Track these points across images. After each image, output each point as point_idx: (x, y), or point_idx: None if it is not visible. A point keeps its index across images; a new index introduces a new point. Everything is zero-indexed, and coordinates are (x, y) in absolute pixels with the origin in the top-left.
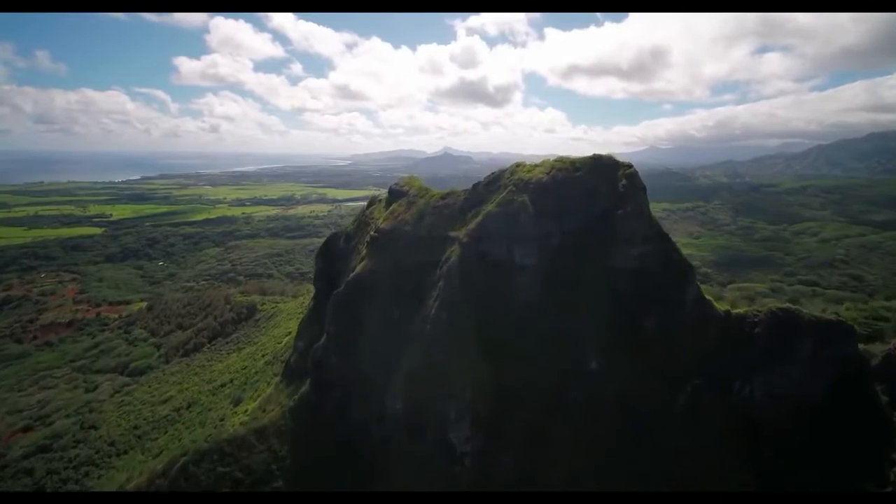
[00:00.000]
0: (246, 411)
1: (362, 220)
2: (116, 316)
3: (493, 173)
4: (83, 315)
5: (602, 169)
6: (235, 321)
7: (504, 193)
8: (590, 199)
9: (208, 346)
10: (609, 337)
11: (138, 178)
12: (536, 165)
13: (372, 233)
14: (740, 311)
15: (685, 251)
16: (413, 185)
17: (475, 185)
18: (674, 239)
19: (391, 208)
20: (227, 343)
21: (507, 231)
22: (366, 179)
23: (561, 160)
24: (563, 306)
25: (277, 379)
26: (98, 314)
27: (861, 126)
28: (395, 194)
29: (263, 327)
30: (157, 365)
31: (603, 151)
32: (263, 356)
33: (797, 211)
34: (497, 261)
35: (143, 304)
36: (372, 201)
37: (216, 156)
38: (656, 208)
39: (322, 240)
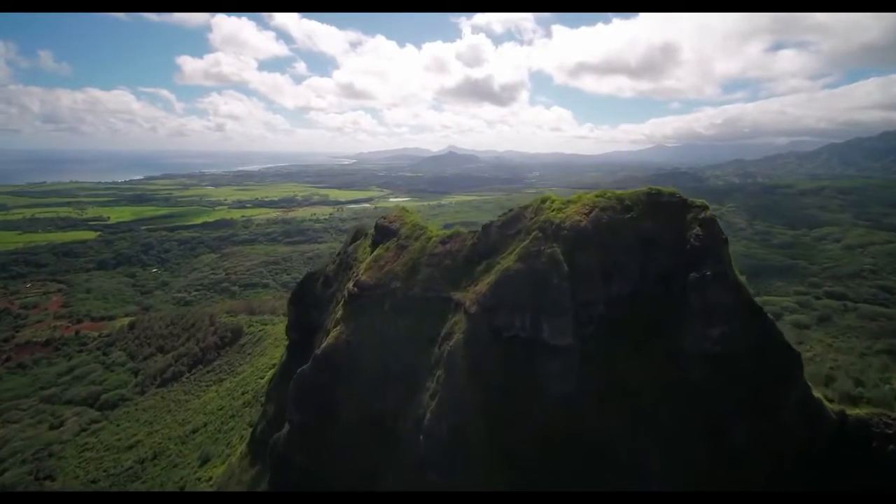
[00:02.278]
0: (210, 479)
1: (343, 259)
2: (96, 334)
3: (510, 211)
4: (62, 333)
5: (663, 209)
6: (219, 346)
7: (527, 241)
8: (647, 252)
9: (187, 375)
10: (680, 454)
11: (142, 177)
12: (570, 202)
13: (350, 286)
14: (860, 412)
15: None
16: (404, 220)
17: (486, 227)
18: None
19: (376, 253)
20: (207, 372)
21: (531, 297)
22: (370, 179)
23: (604, 195)
24: (612, 406)
25: (244, 445)
26: (77, 332)
27: (874, 124)
28: (381, 232)
29: (249, 354)
30: (130, 396)
31: (609, 150)
32: (243, 393)
33: (815, 214)
34: (518, 339)
35: (126, 321)
36: (357, 235)
37: (223, 154)
38: None
39: (322, 246)
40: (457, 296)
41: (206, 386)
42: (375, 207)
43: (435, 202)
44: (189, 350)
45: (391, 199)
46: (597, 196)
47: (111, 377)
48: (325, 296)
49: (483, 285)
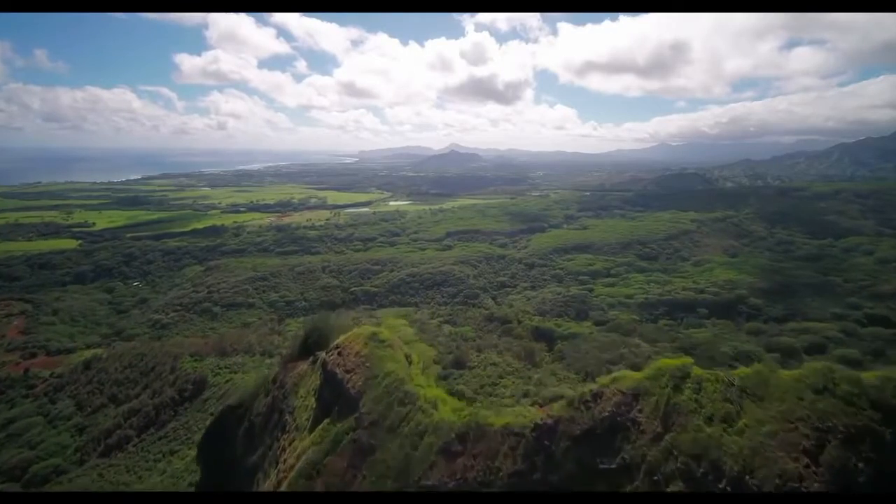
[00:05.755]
0: None
1: (277, 399)
2: (48, 374)
3: (593, 398)
4: (10, 370)
5: None
6: (176, 402)
7: None
8: None
9: (136, 440)
10: None
11: (139, 177)
12: (743, 389)
13: None
14: None
15: (725, 275)
16: (373, 371)
17: (543, 437)
18: (711, 257)
19: (312, 456)
20: (158, 439)
21: None
22: (371, 180)
23: (827, 385)
24: None
25: None
26: (27, 370)
27: (885, 123)
28: (331, 386)
29: (210, 415)
30: (66, 468)
31: (613, 148)
32: (190, 485)
33: (834, 220)
34: None
35: (84, 356)
36: (305, 344)
37: (226, 152)
38: (684, 219)
39: (314, 258)
40: None
41: (154, 461)
42: (374, 212)
43: (437, 206)
44: (143, 404)
45: (391, 203)
46: (816, 392)
47: (50, 437)
48: (246, 463)
49: None
